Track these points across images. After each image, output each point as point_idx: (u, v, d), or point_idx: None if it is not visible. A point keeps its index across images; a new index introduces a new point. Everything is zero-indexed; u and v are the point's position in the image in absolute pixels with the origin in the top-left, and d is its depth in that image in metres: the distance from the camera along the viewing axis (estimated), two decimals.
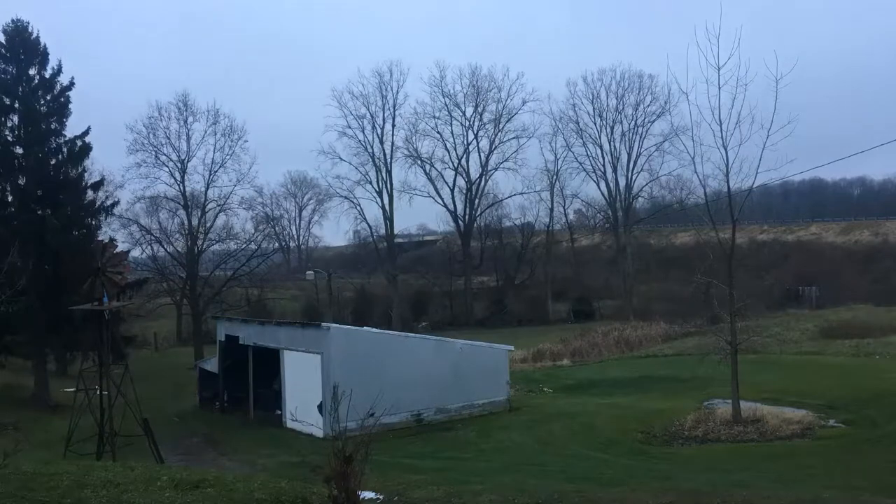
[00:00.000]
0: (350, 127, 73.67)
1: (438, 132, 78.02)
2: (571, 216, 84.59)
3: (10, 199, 37.65)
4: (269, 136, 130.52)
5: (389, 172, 75.63)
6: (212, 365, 35.77)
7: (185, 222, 58.39)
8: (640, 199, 79.51)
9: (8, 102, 36.90)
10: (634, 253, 76.14)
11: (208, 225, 59.04)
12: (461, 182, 79.52)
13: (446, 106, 77.68)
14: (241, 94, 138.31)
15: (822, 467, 19.09)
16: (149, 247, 59.46)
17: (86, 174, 40.27)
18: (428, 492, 13.00)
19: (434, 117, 77.46)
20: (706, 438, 23.36)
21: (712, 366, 26.16)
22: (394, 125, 75.14)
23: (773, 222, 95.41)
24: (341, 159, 73.52)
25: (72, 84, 37.96)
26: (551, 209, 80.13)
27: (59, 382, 37.22)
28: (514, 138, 77.71)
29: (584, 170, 78.07)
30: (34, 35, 37.30)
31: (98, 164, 45.20)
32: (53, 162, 38.23)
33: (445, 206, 79.75)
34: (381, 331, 37.18)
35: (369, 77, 75.14)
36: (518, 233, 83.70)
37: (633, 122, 75.59)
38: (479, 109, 78.25)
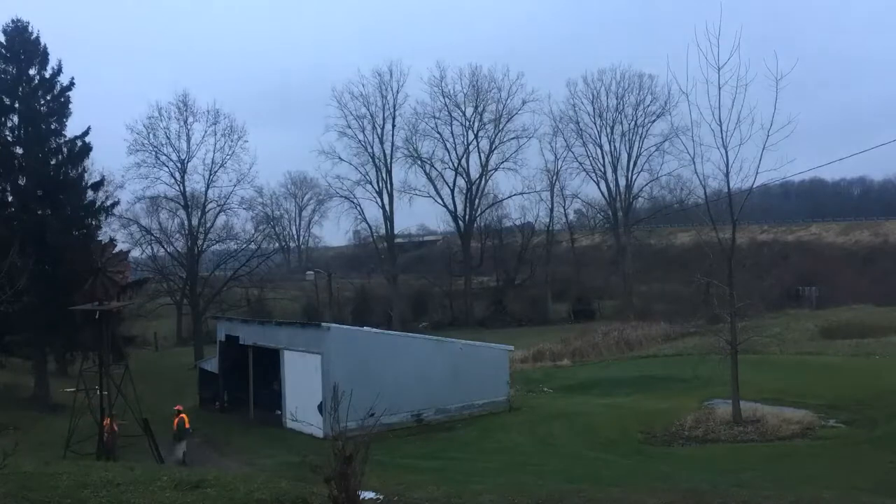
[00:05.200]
0: (350, 127, 73.72)
1: (438, 132, 78.04)
2: (571, 216, 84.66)
3: (10, 199, 37.61)
4: (269, 136, 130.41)
5: (389, 172, 75.72)
6: (212, 365, 35.77)
7: (185, 222, 58.38)
8: (640, 199, 79.58)
9: (8, 102, 36.85)
10: (634, 253, 76.08)
11: (208, 225, 59.07)
12: (461, 182, 79.61)
13: (446, 106, 77.69)
14: (241, 93, 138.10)
15: (822, 467, 19.11)
16: (149, 247, 59.46)
17: (86, 174, 40.21)
18: (428, 492, 13.00)
19: (434, 117, 77.48)
20: (706, 438, 23.36)
21: (712, 366, 26.15)
22: (394, 125, 75.20)
23: (773, 222, 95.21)
24: (341, 159, 73.60)
25: (72, 84, 37.91)
26: (551, 209, 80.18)
27: (59, 382, 37.21)
28: (514, 138, 77.75)
29: (584, 170, 78.18)
30: (34, 35, 37.26)
31: (98, 164, 45.16)
32: (53, 162, 38.17)
33: (445, 206, 79.84)
34: (381, 331, 37.17)
35: (369, 77, 75.07)
36: (518, 233, 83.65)
37: (633, 123, 75.63)
38: (480, 109, 78.24)
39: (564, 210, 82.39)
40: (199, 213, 58.49)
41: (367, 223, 77.22)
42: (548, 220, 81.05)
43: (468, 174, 79.08)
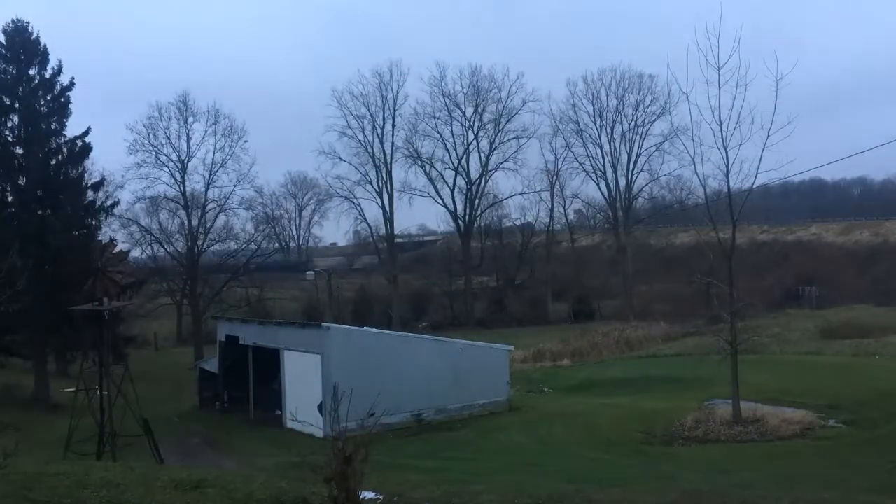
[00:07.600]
0: (350, 127, 73.62)
1: (438, 132, 77.88)
2: (571, 216, 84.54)
3: (10, 199, 37.64)
4: (269, 136, 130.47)
5: (389, 172, 75.64)
6: (212, 365, 35.78)
7: (185, 222, 58.46)
8: (640, 199, 79.49)
9: (8, 102, 36.89)
10: (634, 253, 76.06)
11: (208, 225, 59.16)
12: (461, 182, 79.46)
13: (446, 106, 77.53)
14: (241, 93, 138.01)
15: (822, 467, 19.10)
16: (149, 247, 59.61)
17: (86, 174, 40.36)
18: (428, 492, 12.97)
19: (434, 117, 77.32)
20: (706, 438, 23.37)
21: (712, 366, 26.15)
22: (394, 125, 75.11)
23: (773, 222, 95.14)
24: (341, 159, 73.55)
25: (72, 84, 37.94)
26: (551, 209, 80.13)
27: (59, 382, 37.19)
28: (514, 138, 77.58)
29: (584, 170, 78.05)
30: (34, 35, 37.30)
31: (98, 164, 45.23)
32: (53, 162, 38.21)
33: (445, 206, 79.74)
34: (381, 331, 37.18)
35: (369, 77, 74.88)
36: (518, 233, 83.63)
37: (633, 123, 75.47)
38: (480, 109, 78.06)
39: (564, 210, 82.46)
40: (199, 213, 58.59)
41: (367, 223, 77.48)
42: (548, 220, 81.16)
43: (468, 174, 79.09)
